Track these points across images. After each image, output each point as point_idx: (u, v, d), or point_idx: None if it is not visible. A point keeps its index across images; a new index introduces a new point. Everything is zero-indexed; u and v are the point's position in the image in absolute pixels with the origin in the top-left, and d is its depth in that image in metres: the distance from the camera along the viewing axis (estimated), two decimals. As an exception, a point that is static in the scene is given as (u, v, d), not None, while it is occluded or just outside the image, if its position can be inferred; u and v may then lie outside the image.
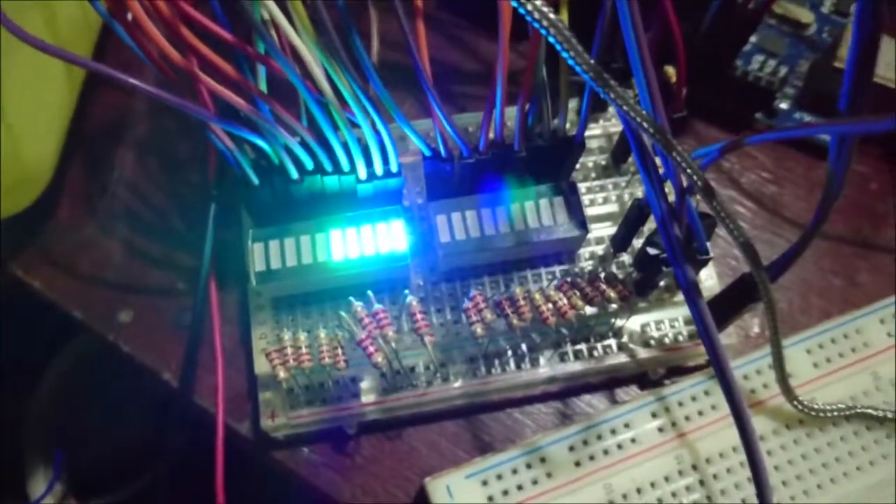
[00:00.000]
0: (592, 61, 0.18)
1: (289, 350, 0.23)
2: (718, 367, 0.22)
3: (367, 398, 0.25)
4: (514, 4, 0.17)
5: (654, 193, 0.22)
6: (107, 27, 0.31)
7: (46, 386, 0.46)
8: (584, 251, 0.28)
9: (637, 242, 0.27)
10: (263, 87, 0.23)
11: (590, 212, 0.28)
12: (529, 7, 0.17)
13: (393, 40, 0.27)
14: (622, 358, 0.26)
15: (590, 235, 0.27)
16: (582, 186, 0.28)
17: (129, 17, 0.21)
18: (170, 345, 0.28)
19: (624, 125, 0.22)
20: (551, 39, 0.17)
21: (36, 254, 0.29)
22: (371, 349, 0.22)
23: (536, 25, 0.17)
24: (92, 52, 0.31)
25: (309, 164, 0.24)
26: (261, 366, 0.25)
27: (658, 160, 0.22)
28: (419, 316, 0.23)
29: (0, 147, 0.25)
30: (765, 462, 0.22)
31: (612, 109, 0.30)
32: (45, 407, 0.46)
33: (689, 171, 0.20)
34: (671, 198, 0.22)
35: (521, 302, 0.24)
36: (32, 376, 0.46)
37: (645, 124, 0.19)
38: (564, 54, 0.18)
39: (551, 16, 0.17)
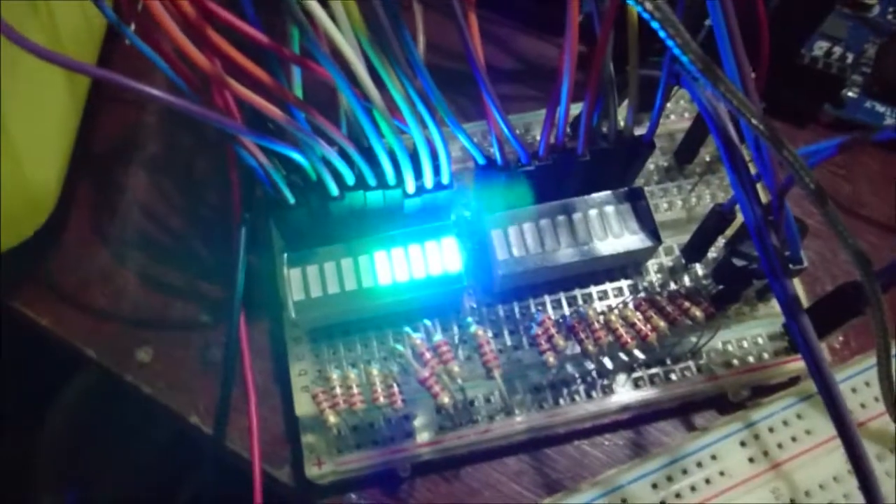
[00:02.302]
0: (699, 49, 0.15)
1: (338, 390, 0.20)
2: (827, 393, 0.19)
3: (423, 437, 0.23)
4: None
5: (745, 198, 0.20)
6: (109, 38, 0.29)
7: (55, 423, 0.43)
8: (652, 263, 0.25)
9: (711, 251, 0.25)
10: (299, 93, 0.20)
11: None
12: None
13: (433, 41, 0.25)
14: (702, 381, 0.24)
15: (658, 246, 0.25)
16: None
17: (132, 27, 0.18)
18: (196, 384, 0.25)
19: (710, 126, 0.20)
20: (654, 24, 0.15)
21: (42, 288, 0.26)
22: (436, 389, 0.19)
23: (632, 2, 0.15)
24: (95, 64, 0.28)
25: (350, 179, 0.22)
26: (301, 406, 0.23)
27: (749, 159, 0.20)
28: (487, 348, 0.20)
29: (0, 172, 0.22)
30: (881, 495, 0.19)
31: (671, 105, 0.27)
32: (55, 445, 0.43)
33: (801, 173, 0.17)
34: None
35: (596, 325, 0.21)
36: (40, 414, 0.43)
37: (755, 121, 0.17)
38: (670, 42, 0.15)
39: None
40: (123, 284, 0.26)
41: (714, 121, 0.20)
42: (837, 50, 0.28)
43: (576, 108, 0.22)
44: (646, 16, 0.15)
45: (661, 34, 0.15)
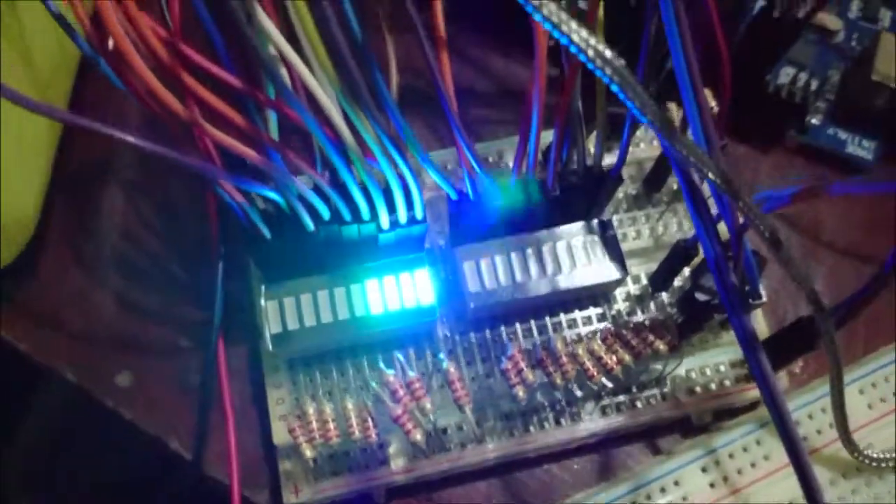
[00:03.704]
0: (658, 109, 0.16)
1: (314, 424, 0.21)
2: (784, 430, 0.20)
3: (397, 464, 0.23)
4: (558, 36, 0.15)
5: (706, 237, 0.20)
6: (85, 64, 0.29)
7: (26, 435, 0.43)
8: (620, 291, 0.26)
9: (677, 280, 0.26)
10: (275, 134, 0.21)
11: (622, 247, 0.26)
12: (582, 45, 0.15)
13: (408, 63, 0.25)
14: (667, 408, 0.24)
15: (625, 274, 0.25)
16: (613, 220, 0.26)
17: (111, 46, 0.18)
18: (175, 409, 0.25)
19: (674, 168, 0.20)
20: (614, 88, 0.15)
21: (18, 311, 0.26)
22: (409, 426, 0.20)
23: (593, 68, 0.15)
24: (72, 82, 0.28)
25: (325, 214, 0.22)
26: (279, 435, 0.23)
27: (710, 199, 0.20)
28: (458, 385, 0.21)
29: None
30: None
31: (640, 133, 0.28)
32: (27, 457, 0.43)
33: (757, 222, 0.18)
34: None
35: (564, 358, 0.22)
36: (10, 427, 0.43)
37: (712, 175, 0.17)
38: (629, 104, 0.16)
39: (608, 54, 0.15)
40: (101, 307, 0.27)
41: (678, 163, 0.21)
42: (803, 76, 0.29)
43: (546, 135, 0.23)
44: (605, 80, 0.15)
45: (621, 97, 0.15)
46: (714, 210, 0.21)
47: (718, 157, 0.19)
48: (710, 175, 0.17)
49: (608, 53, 0.15)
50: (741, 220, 0.20)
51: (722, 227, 0.21)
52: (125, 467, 0.41)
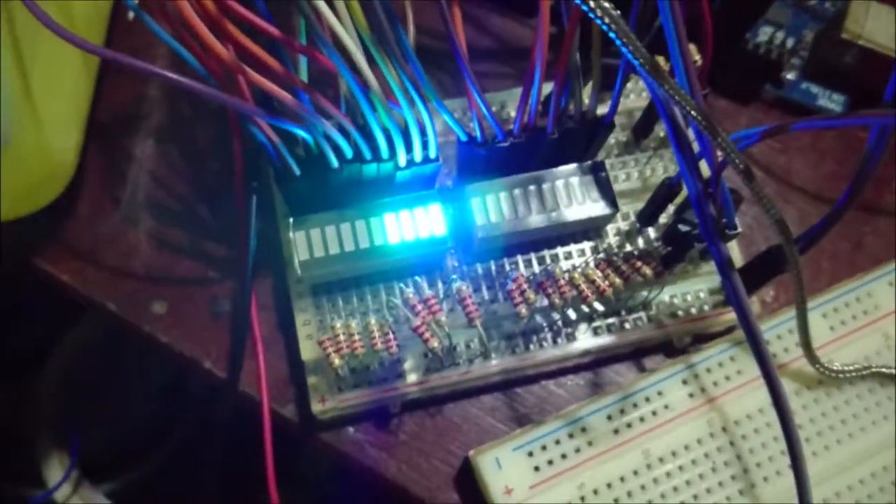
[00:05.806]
0: (647, 53, 0.19)
1: (341, 337, 0.24)
2: (753, 340, 0.23)
3: (412, 378, 0.26)
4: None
5: (689, 174, 0.23)
6: (117, 11, 0.31)
7: (53, 370, 0.46)
8: (610, 227, 0.28)
9: (662, 217, 0.28)
10: (305, 78, 0.23)
11: (613, 188, 0.29)
12: None
13: (418, 22, 0.28)
14: (652, 329, 0.27)
15: (615, 212, 0.28)
16: (605, 163, 0.29)
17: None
18: (206, 334, 0.28)
19: (661, 112, 0.23)
20: (611, 35, 0.18)
21: (60, 247, 0.29)
22: (427, 335, 0.23)
23: (593, 17, 0.18)
24: (104, 39, 0.30)
25: (348, 153, 0.24)
26: (307, 351, 0.26)
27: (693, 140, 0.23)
28: (469, 301, 0.24)
29: (29, 141, 0.25)
30: (794, 422, 0.23)
31: (630, 85, 0.31)
32: (54, 392, 0.46)
33: (732, 156, 0.21)
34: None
35: (562, 282, 0.25)
36: (38, 362, 0.46)
37: (694, 113, 0.20)
38: (623, 49, 0.18)
39: (605, 4, 0.18)
40: (135, 245, 0.29)
41: (664, 107, 0.23)
42: (780, 35, 0.31)
43: (546, 87, 0.25)
44: (603, 27, 0.18)
45: (616, 42, 0.18)
46: (696, 149, 0.24)
47: (699, 99, 0.21)
48: (692, 112, 0.20)
49: (606, 3, 0.18)
50: (719, 158, 0.23)
51: (703, 167, 0.23)
52: (162, 390, 0.44)
